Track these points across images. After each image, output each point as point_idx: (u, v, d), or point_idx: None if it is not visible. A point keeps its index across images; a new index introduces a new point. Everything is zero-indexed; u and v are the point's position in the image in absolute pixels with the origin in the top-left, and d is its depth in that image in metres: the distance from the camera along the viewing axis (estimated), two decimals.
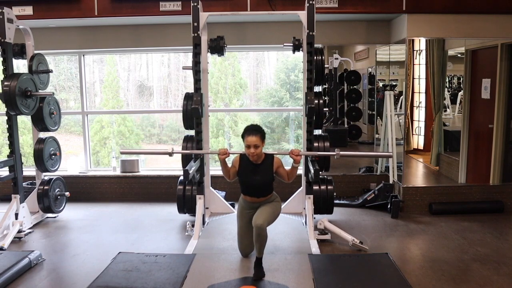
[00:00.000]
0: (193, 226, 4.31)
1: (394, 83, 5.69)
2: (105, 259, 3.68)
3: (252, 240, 3.47)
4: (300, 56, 4.84)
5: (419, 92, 5.94)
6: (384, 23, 5.50)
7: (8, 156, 4.50)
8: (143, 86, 8.15)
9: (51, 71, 4.98)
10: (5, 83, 4.22)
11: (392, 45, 5.53)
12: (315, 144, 4.53)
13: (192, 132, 4.69)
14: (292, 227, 4.52)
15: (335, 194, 4.50)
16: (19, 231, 4.35)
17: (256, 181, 3.52)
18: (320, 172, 4.04)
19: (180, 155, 4.73)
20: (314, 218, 4.32)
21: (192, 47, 4.45)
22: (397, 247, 4.07)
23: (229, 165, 3.62)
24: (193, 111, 4.26)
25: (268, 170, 3.53)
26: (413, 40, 5.26)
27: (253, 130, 3.42)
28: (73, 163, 6.06)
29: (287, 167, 3.58)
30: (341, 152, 3.52)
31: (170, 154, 3.67)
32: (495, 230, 4.44)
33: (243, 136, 3.46)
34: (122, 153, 3.95)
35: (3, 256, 3.63)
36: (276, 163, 3.55)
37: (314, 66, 4.43)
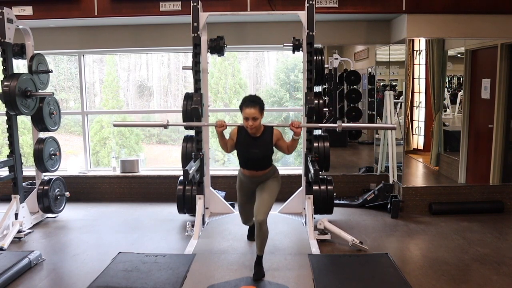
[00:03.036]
0: (193, 226, 4.31)
1: (394, 83, 5.69)
2: (105, 259, 3.68)
3: (252, 209, 3.44)
4: (300, 56, 4.84)
5: (419, 92, 5.94)
6: (384, 23, 5.50)
7: (8, 156, 4.50)
8: (143, 86, 8.15)
9: (51, 71, 4.98)
10: (5, 83, 4.22)
11: (392, 45, 5.53)
12: (315, 144, 4.53)
13: (192, 132, 4.70)
14: (292, 227, 4.53)
15: (335, 194, 4.51)
16: (19, 231, 4.35)
17: (255, 155, 3.36)
18: (320, 172, 4.04)
19: (180, 155, 4.75)
20: (314, 218, 4.32)
21: (192, 47, 4.45)
22: (397, 247, 4.07)
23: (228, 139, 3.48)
24: (193, 111, 4.26)
25: (267, 143, 3.37)
26: (413, 40, 5.27)
27: (251, 102, 3.23)
28: (73, 163, 6.07)
29: (287, 143, 3.42)
30: (343, 124, 3.45)
31: (165, 126, 3.65)
32: (495, 230, 4.44)
33: (241, 108, 3.28)
34: (115, 125, 3.96)
35: (3, 256, 3.63)
36: (275, 135, 3.38)
37: (314, 66, 4.43)
